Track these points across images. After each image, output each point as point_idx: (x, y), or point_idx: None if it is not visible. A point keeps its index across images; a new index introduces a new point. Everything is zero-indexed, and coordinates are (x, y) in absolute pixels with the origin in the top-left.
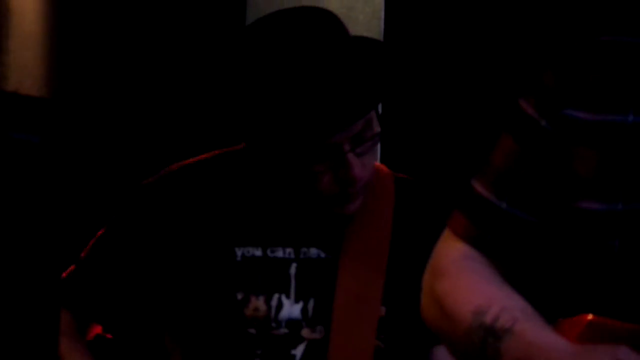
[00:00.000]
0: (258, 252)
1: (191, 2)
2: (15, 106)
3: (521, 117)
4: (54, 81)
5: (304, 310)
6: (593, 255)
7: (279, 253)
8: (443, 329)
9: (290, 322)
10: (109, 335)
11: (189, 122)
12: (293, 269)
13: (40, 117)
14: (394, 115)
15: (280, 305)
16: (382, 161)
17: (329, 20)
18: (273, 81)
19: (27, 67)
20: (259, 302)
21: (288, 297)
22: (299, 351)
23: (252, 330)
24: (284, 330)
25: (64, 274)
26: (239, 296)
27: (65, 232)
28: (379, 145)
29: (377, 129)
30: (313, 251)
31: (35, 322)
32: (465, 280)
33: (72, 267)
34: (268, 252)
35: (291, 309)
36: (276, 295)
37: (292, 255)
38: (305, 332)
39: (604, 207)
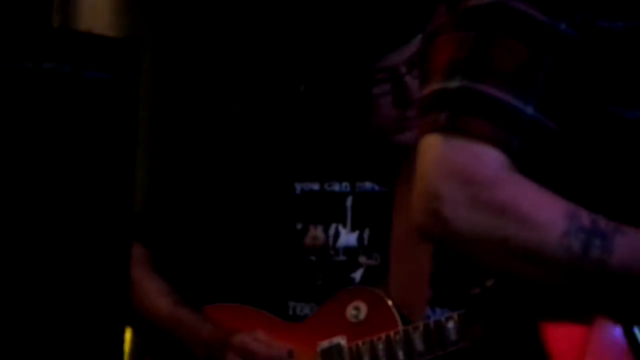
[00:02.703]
0: (316, 187)
1: None
2: (87, 45)
3: (528, 21)
4: (122, 23)
5: (359, 238)
6: (630, 163)
7: (336, 187)
8: (517, 239)
9: (348, 249)
10: None
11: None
12: (349, 201)
13: (111, 56)
14: None
15: (337, 234)
16: None
17: None
18: (329, 13)
19: (97, 8)
20: (317, 232)
21: (345, 226)
22: (357, 275)
23: (313, 258)
24: (342, 257)
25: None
26: (299, 226)
27: (133, 166)
28: None
29: None
30: (367, 185)
31: (109, 254)
32: (530, 188)
33: (144, 203)
34: (325, 186)
35: (348, 237)
36: (333, 225)
37: (348, 189)
38: (362, 259)
39: (637, 113)
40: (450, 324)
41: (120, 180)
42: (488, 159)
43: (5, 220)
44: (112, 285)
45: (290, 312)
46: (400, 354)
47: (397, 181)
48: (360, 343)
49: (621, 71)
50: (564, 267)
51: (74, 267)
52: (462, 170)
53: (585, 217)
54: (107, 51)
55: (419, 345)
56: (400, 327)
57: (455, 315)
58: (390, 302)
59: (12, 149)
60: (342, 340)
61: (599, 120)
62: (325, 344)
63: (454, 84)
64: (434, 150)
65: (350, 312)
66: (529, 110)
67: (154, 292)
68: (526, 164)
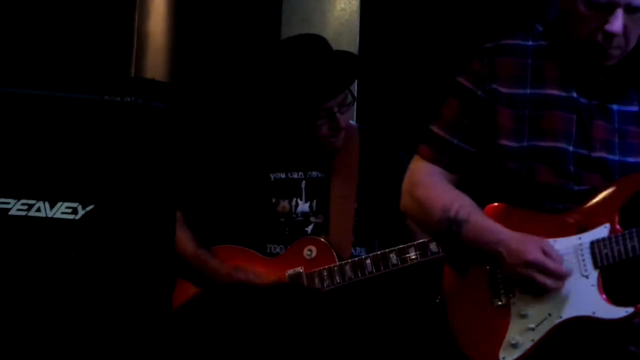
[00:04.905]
0: (282, 175)
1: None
2: (152, 87)
3: (463, 88)
4: (172, 74)
5: (310, 206)
6: (509, 174)
7: (295, 175)
8: (421, 220)
9: (303, 213)
10: None
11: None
12: (303, 184)
13: (166, 93)
14: (366, 90)
15: (296, 204)
16: (357, 119)
17: (323, 41)
18: (294, 76)
19: (157, 65)
20: (284, 203)
21: (301, 199)
22: (309, 229)
23: (282, 219)
24: (300, 218)
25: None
26: (273, 200)
27: (179, 161)
28: (355, 109)
29: (351, 99)
30: (314, 173)
31: (165, 218)
32: (434, 188)
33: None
34: (288, 175)
35: (303, 206)
36: (294, 199)
37: (302, 176)
38: (312, 219)
39: (515, 144)
40: (368, 261)
41: (172, 169)
42: (422, 169)
43: (106, 199)
44: (166, 233)
45: (268, 251)
46: (338, 277)
47: (332, 171)
48: (312, 271)
49: (506, 119)
50: (440, 237)
51: (150, 225)
52: (411, 176)
53: (452, 211)
54: (163, 91)
55: (349, 272)
56: (337, 262)
57: (370, 255)
58: (330, 246)
59: (105, 142)
60: (301, 269)
61: (494, 147)
62: (290, 271)
63: (430, 127)
64: (411, 163)
65: (305, 252)
66: (455, 140)
67: (184, 239)
68: (461, 169)
